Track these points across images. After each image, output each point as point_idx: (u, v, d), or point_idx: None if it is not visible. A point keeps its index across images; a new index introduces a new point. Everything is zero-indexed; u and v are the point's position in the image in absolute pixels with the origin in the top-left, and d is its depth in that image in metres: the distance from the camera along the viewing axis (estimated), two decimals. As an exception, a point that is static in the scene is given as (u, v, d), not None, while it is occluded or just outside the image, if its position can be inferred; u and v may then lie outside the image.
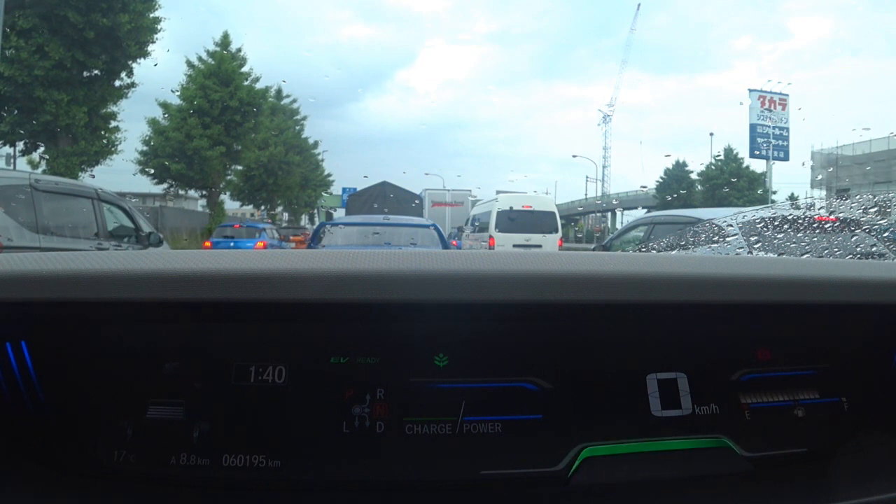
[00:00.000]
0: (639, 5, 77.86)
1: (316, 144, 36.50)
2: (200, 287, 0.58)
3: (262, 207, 34.21)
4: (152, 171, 22.59)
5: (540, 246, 13.55)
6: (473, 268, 0.64)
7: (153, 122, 22.51)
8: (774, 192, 33.35)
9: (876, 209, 2.01)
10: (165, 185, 23.58)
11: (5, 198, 4.57)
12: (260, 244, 15.31)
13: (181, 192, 25.96)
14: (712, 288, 0.65)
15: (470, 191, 26.07)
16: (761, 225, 2.20)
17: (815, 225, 2.02)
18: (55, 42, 14.72)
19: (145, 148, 22.48)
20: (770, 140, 34.32)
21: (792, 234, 1.99)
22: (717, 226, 2.70)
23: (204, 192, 24.90)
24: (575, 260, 0.72)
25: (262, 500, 0.62)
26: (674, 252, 2.33)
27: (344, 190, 30.91)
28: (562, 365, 0.69)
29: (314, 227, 13.44)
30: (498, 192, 18.71)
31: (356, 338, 0.67)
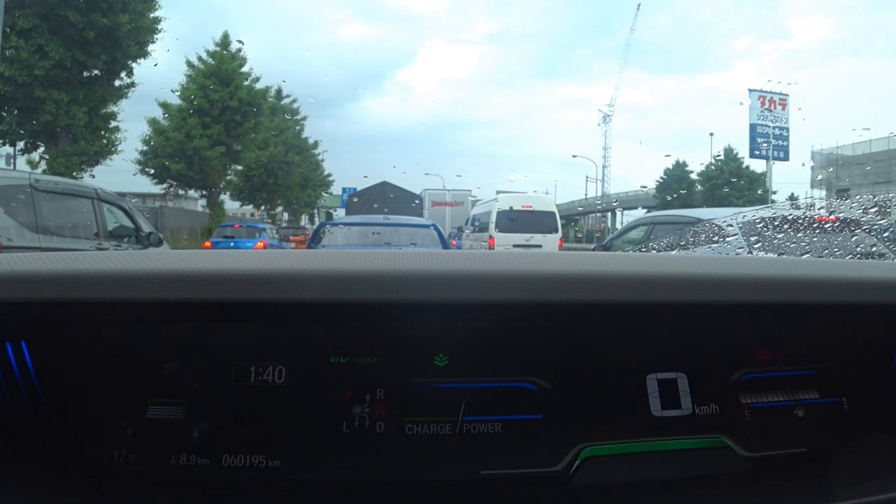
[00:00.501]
0: (639, 5, 77.89)
1: (316, 144, 36.54)
2: (200, 287, 0.58)
3: (262, 207, 34.21)
4: (152, 171, 22.60)
5: (540, 246, 13.55)
6: (473, 268, 0.64)
7: (153, 122, 22.52)
8: (774, 192, 33.39)
9: (876, 209, 2.01)
10: (165, 185, 23.59)
11: (5, 198, 4.57)
12: (260, 244, 15.31)
13: (181, 192, 25.95)
14: (712, 288, 0.65)
15: (470, 191, 26.10)
16: (761, 225, 2.20)
17: (815, 225, 2.03)
18: (55, 42, 14.73)
19: (145, 148, 22.51)
20: (770, 140, 34.32)
21: (792, 234, 1.99)
22: (717, 226, 2.70)
23: (204, 192, 24.90)
24: (575, 260, 0.72)
25: (262, 500, 0.62)
26: (674, 252, 2.33)
27: (344, 190, 30.93)
28: (562, 365, 0.69)
29: (314, 227, 13.45)
30: (498, 192, 18.71)
31: (356, 338, 0.67)
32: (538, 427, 0.66)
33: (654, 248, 2.48)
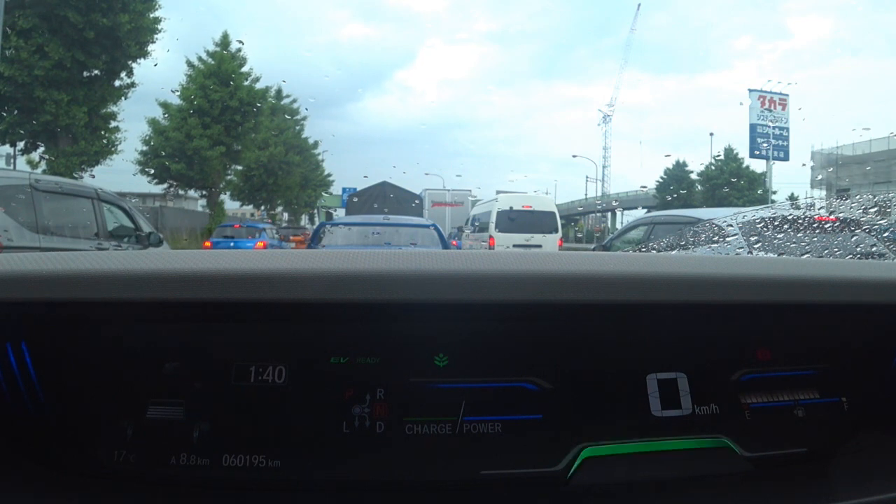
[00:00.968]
0: (639, 5, 77.87)
1: (316, 144, 36.54)
2: (200, 287, 0.58)
3: (262, 207, 34.22)
4: (152, 171, 22.61)
5: (540, 246, 13.55)
6: (473, 268, 0.64)
7: (153, 122, 22.53)
8: (774, 192, 33.38)
9: (876, 209, 2.01)
10: (165, 185, 23.59)
11: (5, 198, 4.57)
12: (260, 244, 15.32)
13: (181, 192, 25.95)
14: (712, 288, 0.65)
15: (470, 191, 26.09)
16: (761, 225, 2.20)
17: (815, 225, 2.03)
18: (55, 42, 14.73)
19: (145, 148, 22.52)
20: (770, 140, 34.32)
21: (792, 234, 1.99)
22: (717, 226, 2.70)
23: (204, 192, 24.91)
24: (575, 260, 0.72)
25: (262, 500, 0.62)
26: (674, 252, 2.33)
27: (344, 190, 30.91)
28: (562, 365, 0.69)
29: (314, 227, 13.44)
30: (498, 192, 18.71)
31: (356, 338, 0.67)
32: (538, 427, 0.66)
33: (654, 248, 2.48)
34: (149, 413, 0.63)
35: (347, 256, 0.67)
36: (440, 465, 0.64)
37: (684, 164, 37.89)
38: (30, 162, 17.30)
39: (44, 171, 14.74)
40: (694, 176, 36.86)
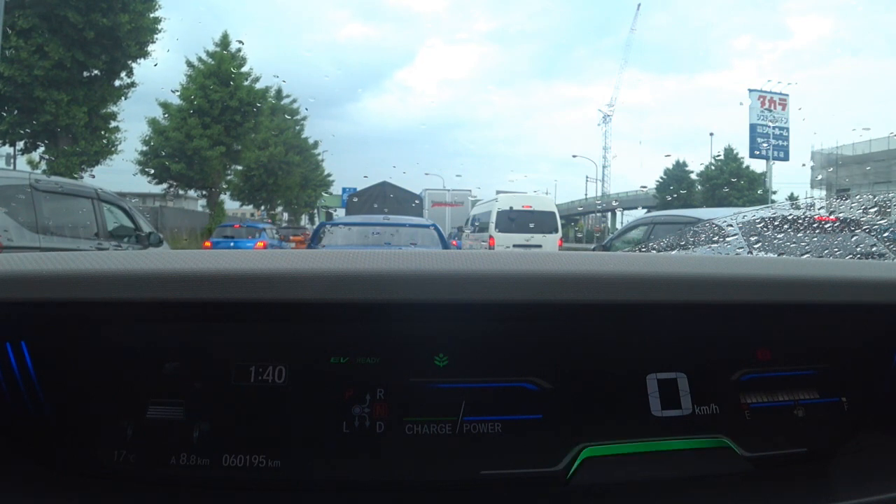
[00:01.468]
0: (639, 5, 77.79)
1: (316, 144, 36.54)
2: (200, 287, 0.58)
3: (262, 207, 34.22)
4: (152, 171, 22.61)
5: (540, 246, 13.55)
6: (473, 268, 0.64)
7: (153, 122, 22.53)
8: (774, 192, 33.38)
9: (876, 209, 2.01)
10: (165, 185, 23.60)
11: (5, 198, 4.57)
12: (260, 244, 15.32)
13: (181, 192, 25.95)
14: (712, 288, 0.65)
15: (470, 191, 26.07)
16: (761, 225, 2.20)
17: (815, 225, 2.03)
18: (55, 42, 14.73)
19: (145, 148, 22.52)
20: (770, 140, 34.32)
21: (792, 234, 2.00)
22: (717, 226, 2.71)
23: (204, 192, 24.91)
24: (575, 260, 0.72)
25: (262, 500, 0.62)
26: (674, 252, 2.33)
27: (344, 190, 30.89)
28: (562, 365, 0.69)
29: (314, 227, 13.44)
30: (498, 192, 18.70)
31: (356, 338, 0.67)
32: (538, 427, 0.66)
33: (654, 248, 2.48)
34: (149, 413, 0.63)
35: (347, 256, 0.67)
36: (440, 465, 0.64)
37: (684, 164, 37.92)
38: (30, 162, 17.32)
39: (44, 171, 14.73)
40: (694, 176, 36.89)
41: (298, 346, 0.67)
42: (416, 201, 20.21)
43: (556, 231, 14.69)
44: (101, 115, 16.98)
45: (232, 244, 14.77)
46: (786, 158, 35.65)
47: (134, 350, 0.65)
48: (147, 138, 22.44)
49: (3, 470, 0.60)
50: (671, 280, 0.65)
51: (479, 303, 0.61)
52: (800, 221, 2.03)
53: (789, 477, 0.69)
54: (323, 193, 39.96)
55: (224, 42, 23.16)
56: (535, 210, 14.56)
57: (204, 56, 22.81)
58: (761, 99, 34.96)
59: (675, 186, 36.30)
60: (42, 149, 16.66)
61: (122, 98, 17.51)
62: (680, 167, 37.95)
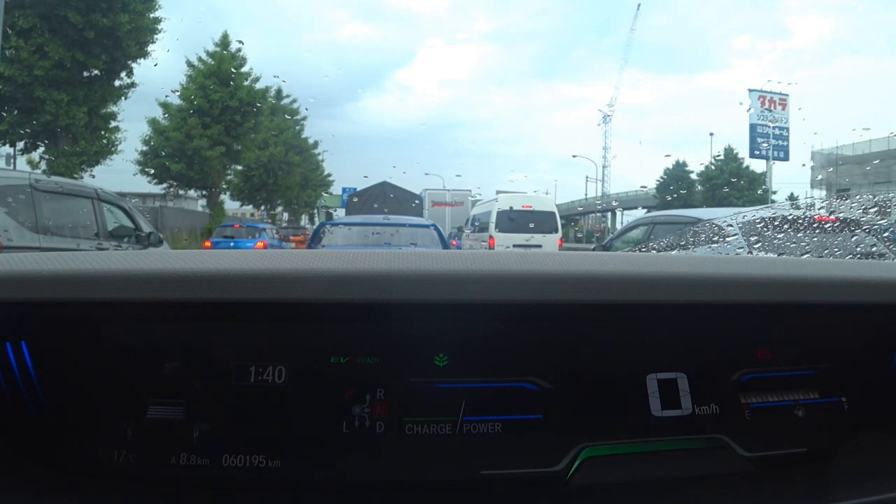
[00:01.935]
0: (639, 5, 77.75)
1: (316, 144, 36.55)
2: (200, 287, 0.58)
3: (262, 207, 34.23)
4: (152, 171, 22.62)
5: (540, 246, 13.55)
6: (473, 268, 0.64)
7: (153, 122, 22.53)
8: (774, 192, 33.38)
9: (876, 209, 2.01)
10: (165, 185, 23.60)
11: (5, 198, 4.57)
12: (260, 244, 15.32)
13: (181, 192, 25.96)
14: (712, 288, 0.65)
15: (470, 191, 26.05)
16: (761, 225, 2.21)
17: (815, 225, 2.03)
18: (55, 42, 14.73)
19: (145, 148, 22.53)
20: (770, 140, 34.32)
21: (792, 234, 2.00)
22: (717, 226, 2.71)
23: (204, 192, 24.92)
24: (575, 260, 0.72)
25: (262, 500, 0.62)
26: (674, 252, 2.33)
27: (344, 190, 30.88)
28: (562, 365, 0.69)
29: (314, 227, 13.44)
30: (498, 192, 18.69)
31: (356, 338, 0.67)
32: (538, 427, 0.66)
33: (654, 248, 2.48)
34: (149, 413, 0.63)
35: (347, 256, 0.67)
36: (440, 465, 0.64)
37: (684, 164, 37.92)
38: (30, 162, 17.33)
39: (44, 171, 14.73)
40: (694, 176, 36.88)
41: (298, 346, 0.67)
42: (416, 201, 20.20)
43: (556, 231, 14.69)
44: (101, 115, 16.98)
45: (232, 244, 14.78)
46: (786, 158, 35.66)
47: (134, 350, 0.65)
48: (147, 138, 22.47)
49: (3, 470, 0.60)
50: (671, 280, 0.65)
51: (479, 303, 0.61)
52: (800, 221, 2.03)
53: (789, 477, 0.69)
54: (323, 193, 39.96)
55: (224, 42, 23.18)
56: (535, 210, 14.56)
57: (204, 56, 22.84)
58: (761, 99, 34.95)
59: (675, 186, 36.29)
60: (42, 149, 16.68)
61: (122, 98, 17.54)
62: (680, 167, 37.95)
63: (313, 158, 36.78)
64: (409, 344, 0.68)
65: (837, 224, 2.12)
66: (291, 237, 23.81)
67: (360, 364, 0.66)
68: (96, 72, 16.36)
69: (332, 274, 0.60)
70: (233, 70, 22.42)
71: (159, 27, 17.00)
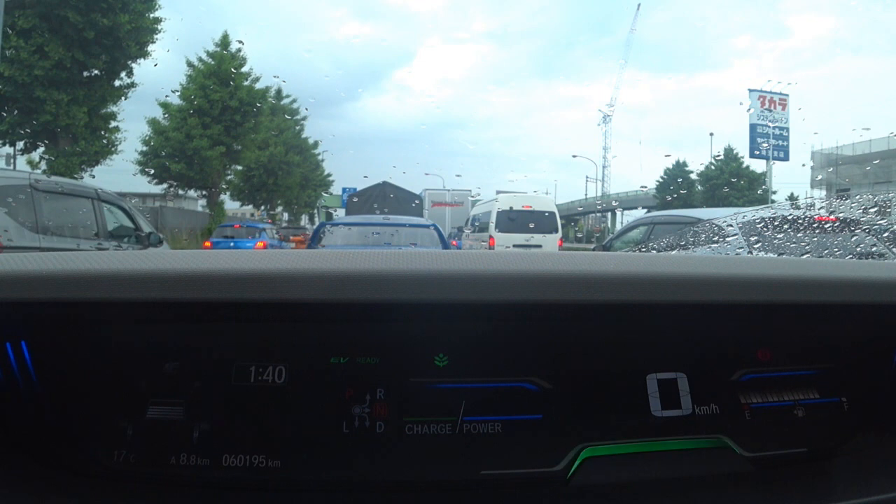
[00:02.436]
0: (639, 5, 77.59)
1: (316, 144, 36.58)
2: (200, 287, 0.58)
3: (262, 207, 34.23)
4: (152, 171, 22.63)
5: (540, 246, 13.55)
6: (473, 268, 0.64)
7: (153, 122, 22.55)
8: (774, 192, 33.39)
9: (876, 209, 2.01)
10: (165, 185, 23.61)
11: (5, 198, 4.57)
12: (260, 244, 15.33)
13: (181, 192, 25.96)
14: (712, 288, 0.66)
15: (470, 191, 26.04)
16: (761, 225, 2.21)
17: (815, 225, 2.03)
18: (55, 42, 14.74)
19: (145, 148, 22.54)
20: (770, 140, 34.33)
21: (792, 234, 2.00)
22: (717, 226, 2.71)
23: (204, 192, 24.93)
24: (575, 260, 0.72)
25: (262, 500, 0.62)
26: (674, 252, 2.33)
27: (344, 190, 30.86)
28: (562, 365, 0.69)
29: (314, 227, 13.44)
30: (498, 192, 18.69)
31: (356, 338, 0.67)
32: (538, 427, 0.66)
33: (654, 248, 2.49)
34: (149, 413, 0.63)
35: (347, 257, 0.67)
36: (440, 465, 0.64)
37: (684, 164, 37.92)
38: (30, 162, 17.33)
39: (44, 171, 14.73)
40: (694, 176, 36.89)
41: (298, 346, 0.67)
42: (416, 201, 20.20)
43: (556, 231, 14.69)
44: (101, 115, 16.99)
45: (232, 244, 14.78)
46: (786, 158, 35.67)
47: (134, 350, 0.65)
48: (147, 138, 22.48)
49: (2, 470, 0.60)
50: (671, 280, 0.65)
51: (480, 303, 0.61)
52: (800, 221, 2.03)
53: (789, 477, 0.69)
54: (323, 193, 39.98)
55: (224, 42, 23.19)
56: (535, 210, 14.56)
57: (204, 56, 22.85)
58: (761, 99, 34.96)
59: (675, 186, 36.29)
60: (42, 149, 16.68)
61: (122, 98, 17.55)
62: (680, 167, 37.96)
63: (313, 158, 36.81)
64: (409, 344, 0.68)
65: (837, 224, 2.13)
66: (291, 237, 23.81)
67: (360, 364, 0.66)
68: (96, 72, 16.37)
69: (333, 274, 0.60)
70: (233, 70, 22.44)
71: (159, 27, 17.03)
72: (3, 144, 16.73)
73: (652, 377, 0.69)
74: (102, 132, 17.19)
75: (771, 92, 35.43)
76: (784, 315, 0.73)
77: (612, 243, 6.32)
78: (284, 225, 33.41)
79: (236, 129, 22.74)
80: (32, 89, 14.72)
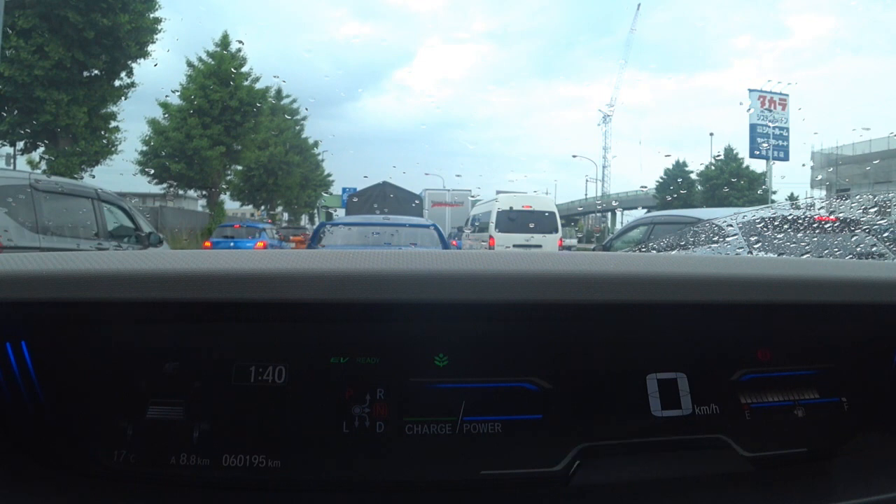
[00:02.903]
0: (639, 5, 77.55)
1: (316, 144, 36.57)
2: (200, 287, 0.58)
3: (262, 207, 34.24)
4: (152, 171, 22.62)
5: (540, 246, 13.55)
6: (473, 268, 0.64)
7: (153, 122, 22.54)
8: (774, 192, 33.38)
9: (876, 209, 2.02)
10: (165, 185, 23.61)
11: (5, 198, 4.57)
12: (260, 244, 15.33)
13: (181, 192, 25.97)
14: (712, 288, 0.66)
15: (470, 191, 26.01)
16: (761, 225, 2.21)
17: (815, 225, 2.03)
18: (55, 42, 14.74)
19: (145, 148, 22.53)
20: (770, 140, 34.33)
21: (792, 234, 2.00)
22: (717, 226, 2.71)
23: (204, 192, 24.93)
24: (575, 260, 0.72)
25: (262, 500, 0.62)
26: (674, 252, 2.34)
27: (344, 190, 30.84)
28: (562, 365, 0.69)
29: (314, 227, 13.45)
30: (498, 192, 18.68)
31: (356, 338, 0.67)
32: (538, 427, 0.66)
33: (654, 248, 2.49)
34: (149, 413, 0.63)
35: (347, 257, 0.67)
36: (440, 465, 0.64)
37: (684, 164, 37.90)
38: (30, 162, 17.33)
39: (44, 171, 14.73)
40: (694, 176, 36.89)
41: (298, 346, 0.67)
42: (416, 201, 20.19)
43: (556, 231, 14.68)
44: (101, 115, 16.98)
45: (232, 244, 14.79)
46: (786, 158, 35.66)
47: (134, 350, 0.65)
48: (147, 138, 22.47)
49: (2, 470, 0.60)
50: (671, 280, 0.65)
51: (480, 303, 0.61)
52: (800, 221, 2.03)
53: (789, 477, 0.69)
54: (323, 193, 39.97)
55: (224, 42, 23.18)
56: (535, 210, 14.56)
57: (204, 56, 22.84)
58: (761, 99, 34.95)
59: (675, 186, 36.29)
60: (42, 149, 16.68)
61: (122, 98, 17.54)
62: (680, 167, 37.95)
63: (313, 158, 36.81)
64: (409, 344, 0.68)
65: (837, 224, 2.13)
66: (291, 237, 23.81)
67: (360, 364, 0.66)
68: (96, 72, 16.36)
69: (333, 274, 0.60)
70: (233, 70, 22.44)
71: (159, 27, 17.02)
72: (3, 144, 16.74)
73: (652, 377, 0.69)
74: (102, 132, 17.19)
75: (771, 92, 35.43)
76: (784, 315, 0.73)
77: (612, 243, 6.32)
78: (284, 225, 33.43)
79: (236, 129, 22.74)
80: (32, 89, 14.72)
